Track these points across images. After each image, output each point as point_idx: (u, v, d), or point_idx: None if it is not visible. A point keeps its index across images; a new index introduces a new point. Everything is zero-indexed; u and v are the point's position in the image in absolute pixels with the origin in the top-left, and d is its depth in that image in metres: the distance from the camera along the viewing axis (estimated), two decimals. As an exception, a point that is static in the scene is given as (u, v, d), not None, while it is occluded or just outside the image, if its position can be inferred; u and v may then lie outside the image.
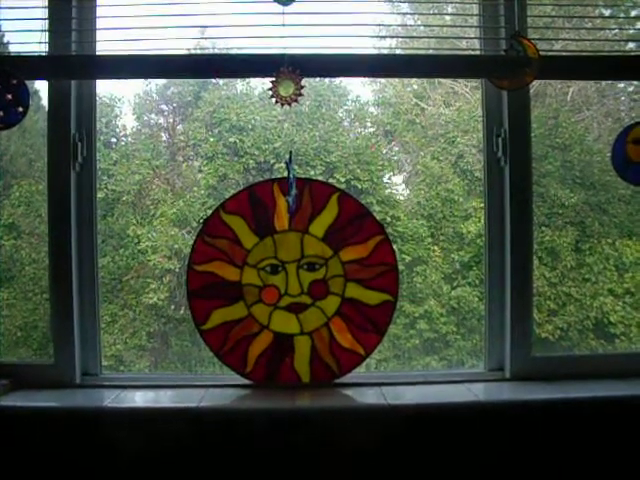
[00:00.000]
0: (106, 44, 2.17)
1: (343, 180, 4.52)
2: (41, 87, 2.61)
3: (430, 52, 3.14)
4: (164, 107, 5.09)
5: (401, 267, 2.18)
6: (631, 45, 2.65)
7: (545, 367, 2.20)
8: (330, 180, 4.35)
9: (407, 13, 4.34)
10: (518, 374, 2.18)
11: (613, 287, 4.40)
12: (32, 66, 2.08)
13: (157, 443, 1.90)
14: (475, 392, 2.08)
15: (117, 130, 5.06)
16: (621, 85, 4.76)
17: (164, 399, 2.17)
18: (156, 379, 2.34)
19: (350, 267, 2.16)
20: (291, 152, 2.15)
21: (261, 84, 4.72)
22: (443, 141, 4.87)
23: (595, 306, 4.36)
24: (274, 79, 2.04)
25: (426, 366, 4.38)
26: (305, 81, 2.04)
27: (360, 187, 4.55)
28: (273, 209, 2.15)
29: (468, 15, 2.71)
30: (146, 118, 5.09)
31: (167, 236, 4.47)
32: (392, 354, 4.33)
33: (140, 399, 2.15)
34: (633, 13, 2.92)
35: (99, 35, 2.17)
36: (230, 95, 4.88)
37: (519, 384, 2.15)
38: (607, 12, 3.13)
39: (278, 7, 2.05)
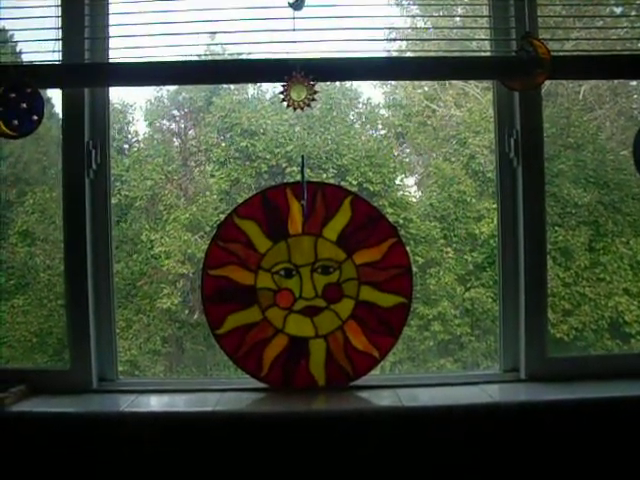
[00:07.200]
0: (119, 52, 2.18)
1: (355, 183, 4.52)
2: (53, 95, 2.62)
3: (440, 54, 3.14)
4: (176, 112, 5.11)
5: (414, 269, 2.17)
6: (643, 43, 2.64)
7: (560, 367, 2.18)
8: (342, 183, 4.35)
9: (417, 15, 4.36)
10: (533, 375, 2.17)
11: (628, 286, 4.37)
12: (46, 74, 2.10)
13: (173, 447, 1.90)
14: (490, 393, 2.08)
15: (129, 136, 5.09)
16: (633, 83, 4.74)
17: (180, 403, 2.17)
18: (171, 384, 2.35)
19: (364, 270, 2.16)
20: (303, 156, 2.15)
21: (272, 88, 4.73)
22: (455, 142, 4.86)
23: (610, 306, 4.33)
24: (286, 84, 2.05)
25: (441, 368, 4.37)
26: (316, 85, 2.05)
27: (372, 190, 4.55)
28: (286, 213, 2.16)
29: (478, 16, 2.70)
30: (158, 124, 5.11)
31: (180, 241, 4.49)
32: (406, 356, 4.33)
33: (156, 404, 2.16)
34: (644, 11, 2.90)
35: (112, 43, 2.19)
36: (241, 100, 4.89)
37: (534, 385, 2.14)
38: (618, 10, 3.11)
39: (289, 12, 2.06)
